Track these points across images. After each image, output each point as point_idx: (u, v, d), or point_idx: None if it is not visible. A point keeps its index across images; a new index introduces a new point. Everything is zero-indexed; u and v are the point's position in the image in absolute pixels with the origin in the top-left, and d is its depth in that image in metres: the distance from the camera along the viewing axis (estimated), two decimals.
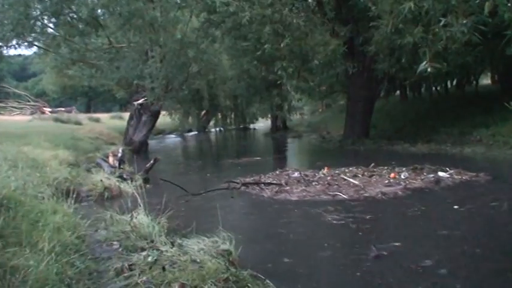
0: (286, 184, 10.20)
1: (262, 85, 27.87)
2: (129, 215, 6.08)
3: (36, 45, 21.05)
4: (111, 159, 13.45)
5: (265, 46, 15.52)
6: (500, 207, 7.41)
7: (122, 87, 23.22)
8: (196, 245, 5.01)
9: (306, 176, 10.99)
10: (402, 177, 10.38)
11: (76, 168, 11.65)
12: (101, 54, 20.07)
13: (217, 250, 4.87)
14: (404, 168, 11.24)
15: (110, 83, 22.47)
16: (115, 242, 5.44)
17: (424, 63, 7.38)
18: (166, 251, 4.80)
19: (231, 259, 4.75)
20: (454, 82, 31.79)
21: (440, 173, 10.53)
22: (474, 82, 28.45)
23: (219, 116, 44.13)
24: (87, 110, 59.12)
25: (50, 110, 40.90)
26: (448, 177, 10.19)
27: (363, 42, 17.43)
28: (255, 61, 19.42)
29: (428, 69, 7.43)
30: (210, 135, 41.58)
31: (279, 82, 18.35)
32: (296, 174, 11.25)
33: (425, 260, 5.06)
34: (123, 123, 26.20)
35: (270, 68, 18.92)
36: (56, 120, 29.68)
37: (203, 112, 41.42)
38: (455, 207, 7.61)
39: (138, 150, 20.79)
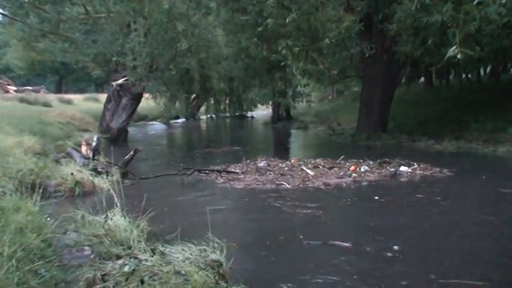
0: (242, 173, 12.08)
1: (263, 67, 27.58)
2: (104, 216, 6.10)
3: (0, 13, 20.91)
4: (84, 148, 13.45)
5: (268, 21, 15.35)
6: (424, 199, 9.18)
7: (99, 64, 23.40)
8: (181, 254, 5.02)
9: (269, 165, 12.92)
10: (362, 170, 12.13)
11: (43, 158, 11.56)
12: (76, 26, 20.00)
13: (206, 260, 4.87)
14: (371, 162, 12.99)
15: (85, 59, 22.36)
16: (86, 248, 5.42)
17: (453, 48, 7.32)
18: (146, 260, 4.79)
19: (221, 271, 4.76)
20: (488, 69, 31.72)
21: (402, 168, 12.20)
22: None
23: (211, 101, 44.12)
24: (58, 90, 58.93)
25: (14, 88, 40.81)
26: (407, 172, 11.95)
27: (383, 20, 17.36)
28: (255, 38, 19.01)
29: (458, 55, 7.35)
30: (200, 123, 41.83)
31: (282, 64, 18.25)
32: (262, 163, 13.13)
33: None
34: (99, 107, 26.25)
35: (272, 46, 18.67)
36: (22, 100, 29.61)
37: (193, 96, 41.42)
38: (376, 198, 9.33)
39: (116, 139, 20.85)
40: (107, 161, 11.94)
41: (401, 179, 11.38)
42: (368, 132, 20.86)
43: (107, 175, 10.60)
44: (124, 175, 11.24)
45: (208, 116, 46.06)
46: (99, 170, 11.00)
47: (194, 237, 5.38)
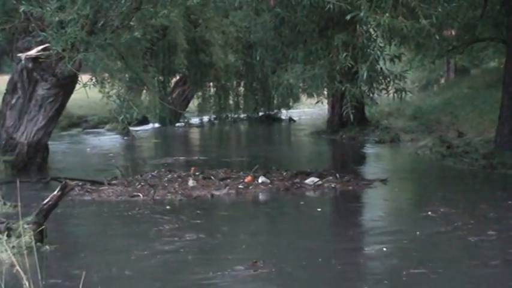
0: (109, 184, 11.91)
1: (312, 23, 12.83)
2: None
3: None
4: None
5: None
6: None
7: None
8: None
9: (155, 177, 12.67)
10: (260, 181, 11.79)
11: None
12: None
13: None
14: (285, 173, 12.66)
15: None
16: None
17: None
18: None
19: None
20: None
21: (310, 179, 11.72)
22: None
23: (211, 91, 28.84)
24: None
25: None
26: (312, 185, 11.55)
27: None
28: None
29: None
30: (190, 132, 27.77)
31: (349, 17, 10.30)
32: (150, 175, 12.88)
33: None
34: None
35: None
36: None
37: (174, 80, 28.00)
38: (167, 207, 10.14)
39: (27, 164, 14.11)
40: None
41: (297, 192, 11.29)
42: None
43: (9, 235, 7.91)
44: (42, 234, 8.04)
45: (206, 119, 29.46)
46: None
47: None
